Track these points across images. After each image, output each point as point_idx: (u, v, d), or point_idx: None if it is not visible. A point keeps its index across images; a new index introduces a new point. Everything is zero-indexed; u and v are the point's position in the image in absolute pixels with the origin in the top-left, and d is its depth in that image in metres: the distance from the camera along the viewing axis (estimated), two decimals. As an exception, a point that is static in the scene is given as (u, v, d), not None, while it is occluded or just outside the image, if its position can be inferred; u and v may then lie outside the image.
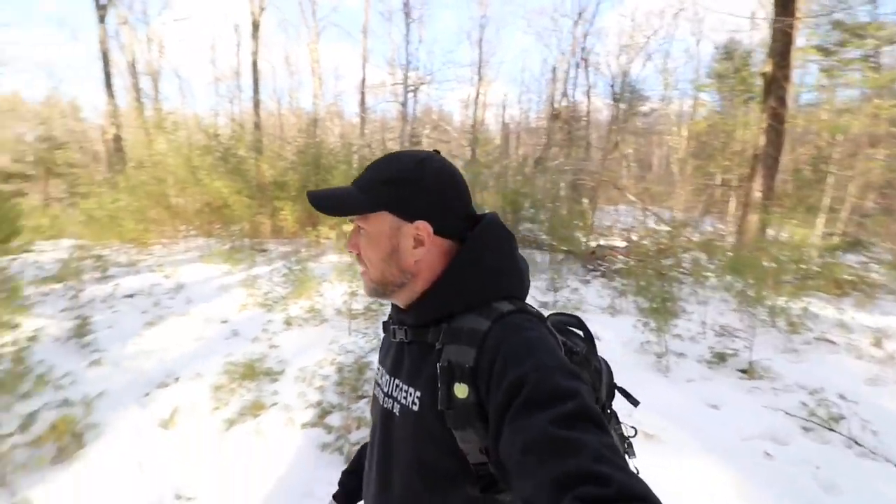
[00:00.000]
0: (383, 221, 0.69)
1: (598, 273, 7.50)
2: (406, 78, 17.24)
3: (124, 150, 13.07)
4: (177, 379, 3.17)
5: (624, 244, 8.98)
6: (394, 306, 0.77)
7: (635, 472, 0.51)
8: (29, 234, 7.58)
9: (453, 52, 46.99)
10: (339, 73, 44.92)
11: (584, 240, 8.32)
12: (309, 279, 5.33)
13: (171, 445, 2.49)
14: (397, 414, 0.71)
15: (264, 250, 8.35)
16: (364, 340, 3.54)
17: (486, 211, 0.77)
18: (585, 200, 10.94)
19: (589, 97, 18.28)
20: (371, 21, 22.09)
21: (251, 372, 3.04)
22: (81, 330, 3.88)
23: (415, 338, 0.71)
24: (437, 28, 47.93)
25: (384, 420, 0.75)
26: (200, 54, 57.90)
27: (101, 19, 13.39)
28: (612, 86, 16.40)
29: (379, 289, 0.73)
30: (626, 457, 0.81)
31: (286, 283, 5.43)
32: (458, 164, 8.30)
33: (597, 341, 0.83)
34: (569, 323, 0.86)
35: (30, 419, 2.33)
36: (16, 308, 3.62)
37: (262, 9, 14.06)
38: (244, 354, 3.33)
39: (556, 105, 17.56)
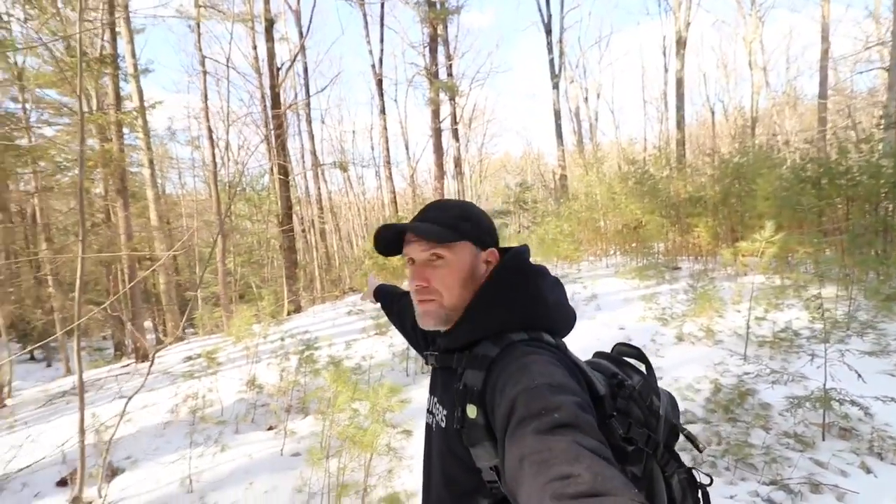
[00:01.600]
0: (465, 250, 0.80)
1: None
2: None
3: (567, 185, 16.34)
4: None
5: None
6: (430, 332, 0.86)
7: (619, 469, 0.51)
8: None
9: None
10: (791, 55, 37.14)
11: None
12: (712, 299, 5.12)
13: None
14: (434, 428, 0.82)
15: (677, 268, 8.40)
16: (758, 369, 3.22)
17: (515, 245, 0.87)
18: None
19: None
20: (833, -21, 17.28)
21: (631, 373, 3.48)
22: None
23: (443, 363, 0.81)
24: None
25: (427, 433, 0.86)
26: (632, 84, 62.70)
27: (555, 85, 17.43)
28: None
29: (452, 314, 0.79)
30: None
31: (688, 300, 5.45)
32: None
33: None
34: (628, 355, 0.86)
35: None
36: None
37: (689, 23, 14.04)
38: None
39: None
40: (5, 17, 6.18)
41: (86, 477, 2.51)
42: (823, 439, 2.62)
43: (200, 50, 10.94)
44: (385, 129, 14.58)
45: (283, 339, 5.12)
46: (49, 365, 12.83)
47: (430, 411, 0.85)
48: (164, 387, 4.66)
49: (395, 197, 15.87)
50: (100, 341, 14.86)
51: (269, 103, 10.77)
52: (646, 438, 0.72)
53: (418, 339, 1.06)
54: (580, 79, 22.43)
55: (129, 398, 2.93)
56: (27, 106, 10.37)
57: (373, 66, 15.09)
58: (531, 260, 0.83)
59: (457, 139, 18.22)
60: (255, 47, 12.56)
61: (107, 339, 14.66)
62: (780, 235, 4.73)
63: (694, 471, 0.79)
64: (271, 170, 11.16)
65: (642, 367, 0.85)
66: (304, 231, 19.25)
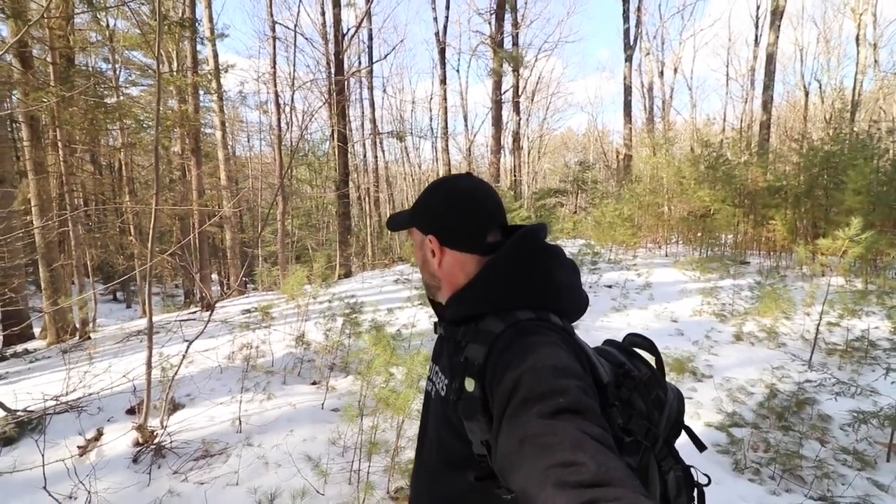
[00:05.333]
0: (416, 236, 0.86)
1: None
2: None
3: (630, 166, 15.49)
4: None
5: None
6: (438, 304, 0.89)
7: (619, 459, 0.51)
8: (557, 234, 10.76)
9: None
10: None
11: None
12: (780, 298, 4.73)
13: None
14: (433, 396, 0.84)
15: (745, 262, 7.82)
16: (822, 377, 2.95)
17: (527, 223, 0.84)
18: None
19: None
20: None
21: (678, 366, 3.31)
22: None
23: (448, 334, 0.81)
24: None
25: (426, 399, 0.89)
26: (715, 58, 57.50)
27: (628, 58, 16.32)
28: None
29: (430, 290, 0.88)
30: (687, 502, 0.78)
31: (753, 298, 5.07)
32: None
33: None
34: (640, 346, 0.83)
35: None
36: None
37: (787, -8, 12.52)
38: (679, 350, 3.62)
39: None
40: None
41: (150, 408, 2.78)
42: (888, 461, 2.39)
43: (272, 16, 11.22)
44: (445, 99, 14.40)
45: (331, 301, 5.33)
46: (129, 306, 14.28)
47: (430, 378, 0.87)
48: (223, 335, 5.03)
49: (449, 170, 15.79)
50: (172, 289, 16.26)
51: (333, 69, 10.94)
52: (645, 431, 0.71)
53: None
54: (656, 51, 20.84)
55: (191, 342, 3.19)
56: (116, 66, 11.21)
57: (436, 33, 14.84)
58: (547, 240, 0.81)
59: (518, 113, 17.69)
60: (322, 13, 12.73)
61: (179, 287, 16.03)
62: (868, 234, 4.24)
63: (692, 469, 0.77)
64: (332, 136, 11.42)
65: (652, 360, 0.82)
66: (359, 198, 19.75)
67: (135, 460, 2.51)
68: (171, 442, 2.68)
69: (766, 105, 12.57)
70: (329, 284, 7.42)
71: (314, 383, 3.64)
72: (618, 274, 7.14)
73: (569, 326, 0.74)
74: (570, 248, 9.13)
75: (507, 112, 17.17)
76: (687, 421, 2.69)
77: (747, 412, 2.74)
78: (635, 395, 0.73)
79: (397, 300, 6.18)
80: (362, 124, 19.81)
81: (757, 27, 18.13)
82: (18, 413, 2.88)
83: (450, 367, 0.76)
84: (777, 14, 12.11)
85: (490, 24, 13.86)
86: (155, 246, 3.09)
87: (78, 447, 2.61)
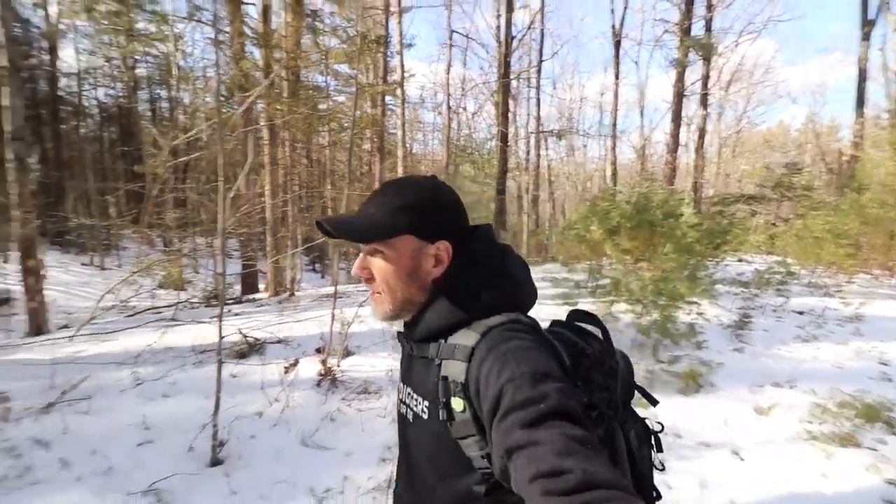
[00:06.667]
0: (406, 244, 0.73)
1: None
2: None
3: (857, 170, 12.38)
4: (792, 385, 3.39)
5: None
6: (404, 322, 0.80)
7: (608, 460, 0.52)
8: (743, 247, 9.18)
9: None
10: None
11: None
12: None
13: (761, 428, 2.89)
14: (410, 419, 0.77)
15: None
16: None
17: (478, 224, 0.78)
18: None
19: None
20: None
21: (870, 412, 2.73)
22: (741, 324, 4.72)
23: (418, 352, 0.75)
24: None
25: (401, 423, 0.81)
26: None
27: (866, 35, 13.00)
28: None
29: (398, 311, 0.75)
30: (652, 452, 0.83)
31: None
32: None
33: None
34: (585, 321, 0.83)
35: (675, 360, 3.51)
36: (701, 293, 4.98)
37: None
38: (878, 397, 2.98)
39: None
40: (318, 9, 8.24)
41: (331, 350, 3.56)
42: None
43: (449, 26, 12.27)
44: (616, 95, 13.70)
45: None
46: (323, 276, 17.32)
47: (402, 401, 0.80)
48: (388, 306, 5.90)
49: (615, 169, 14.94)
50: (357, 266, 19.12)
51: (500, 71, 11.44)
52: (607, 402, 0.74)
53: None
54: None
55: (361, 304, 3.92)
56: (328, 78, 13.68)
57: (613, 26, 14.14)
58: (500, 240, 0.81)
59: (704, 107, 15.67)
60: (498, 16, 13.36)
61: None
62: None
63: (647, 421, 0.84)
64: (500, 135, 11.97)
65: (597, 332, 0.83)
66: (518, 196, 20.10)
67: (317, 384, 3.28)
68: (342, 376, 3.42)
69: None
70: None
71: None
72: (815, 300, 5.95)
73: (535, 322, 0.73)
74: (757, 264, 7.82)
75: (692, 106, 15.37)
76: (863, 473, 2.27)
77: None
78: (593, 370, 0.74)
79: (544, 297, 6.29)
80: (528, 122, 20.05)
81: None
82: (249, 339, 3.97)
83: (426, 388, 0.72)
84: None
85: (680, 7, 12.56)
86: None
87: (283, 367, 3.51)
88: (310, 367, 3.51)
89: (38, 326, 5.23)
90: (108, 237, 14.56)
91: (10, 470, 2.17)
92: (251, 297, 8.28)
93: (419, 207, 0.73)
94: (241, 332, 3.95)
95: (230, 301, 7.34)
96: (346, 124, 12.15)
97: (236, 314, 5.69)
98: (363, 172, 14.77)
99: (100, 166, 19.29)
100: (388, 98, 12.87)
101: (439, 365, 0.69)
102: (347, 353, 3.88)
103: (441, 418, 0.66)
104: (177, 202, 12.62)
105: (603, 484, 0.46)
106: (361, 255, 0.75)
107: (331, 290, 7.42)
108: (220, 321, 2.33)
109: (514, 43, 10.91)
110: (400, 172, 14.61)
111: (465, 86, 12.16)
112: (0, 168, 7.75)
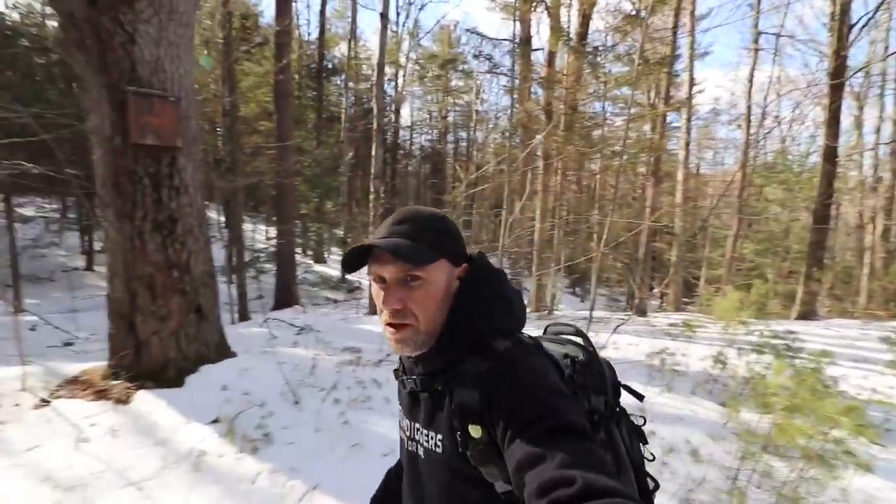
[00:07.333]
0: (442, 268, 0.74)
1: None
2: None
3: None
4: None
5: None
6: (402, 357, 0.79)
7: (613, 469, 0.56)
8: None
9: None
10: None
11: None
12: None
13: None
14: (422, 455, 0.76)
15: None
16: None
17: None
18: None
19: None
20: None
21: None
22: None
23: (424, 387, 0.75)
24: None
25: (411, 461, 0.80)
26: None
27: None
28: None
29: (428, 338, 0.73)
30: (641, 445, 0.85)
31: None
32: None
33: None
34: (567, 332, 0.87)
35: None
36: None
37: None
38: None
39: None
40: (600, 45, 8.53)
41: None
42: None
43: (756, 26, 10.51)
44: None
45: (763, 335, 4.79)
46: (582, 301, 17.39)
47: (411, 438, 0.79)
48: (647, 338, 5.59)
49: None
50: (617, 295, 18.39)
51: (831, 69, 9.00)
52: (603, 404, 0.78)
53: None
54: None
55: (615, 329, 3.94)
56: (604, 104, 13.80)
57: None
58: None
59: None
60: (834, 2, 10.53)
61: (623, 294, 17.96)
62: None
63: (631, 416, 0.85)
64: (826, 149, 9.48)
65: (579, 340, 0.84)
66: (860, 225, 15.01)
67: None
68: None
69: None
70: (767, 317, 6.50)
71: (723, 404, 3.59)
72: None
73: (537, 341, 0.77)
74: None
75: None
76: None
77: None
78: (587, 377, 0.77)
79: (877, 361, 4.70)
80: (879, 129, 14.92)
81: None
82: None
83: (440, 421, 0.72)
84: None
85: None
86: (607, 252, 3.99)
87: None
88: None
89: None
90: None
91: (358, 395, 3.25)
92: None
93: (447, 231, 0.76)
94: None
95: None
96: (618, 148, 12.01)
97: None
98: (634, 197, 14.17)
99: (417, 195, 25.15)
100: (671, 115, 12.05)
101: (450, 395, 0.70)
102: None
103: (459, 449, 0.67)
104: (464, 224, 15.18)
105: (605, 493, 0.48)
106: (393, 287, 0.71)
107: (587, 312, 7.53)
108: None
109: (854, 32, 8.45)
110: (678, 197, 13.34)
111: (777, 89, 10.12)
112: (365, 198, 11.17)
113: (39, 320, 5.57)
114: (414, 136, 27.52)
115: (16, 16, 8.02)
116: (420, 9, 21.82)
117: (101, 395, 3.03)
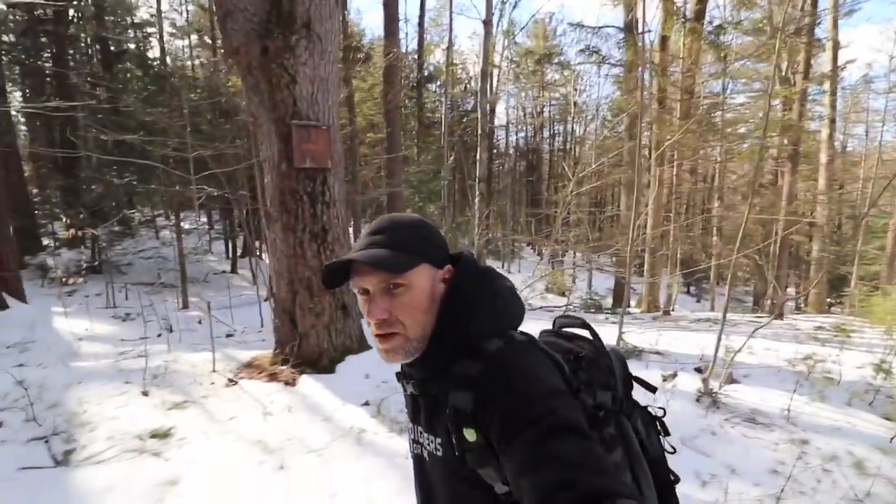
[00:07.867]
0: (424, 273, 0.73)
1: None
2: None
3: None
4: None
5: None
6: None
7: (615, 467, 0.57)
8: None
9: None
10: None
11: None
12: None
13: None
14: (426, 458, 0.77)
15: None
16: None
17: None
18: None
19: None
20: None
21: None
22: None
23: (421, 391, 0.76)
24: None
25: (418, 463, 0.81)
26: None
27: None
28: None
29: (419, 344, 0.73)
30: (660, 436, 0.83)
31: None
32: None
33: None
34: (574, 326, 0.85)
35: None
36: None
37: None
38: None
39: None
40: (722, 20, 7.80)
41: (713, 372, 3.54)
42: None
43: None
44: None
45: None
46: (698, 301, 15.88)
47: (416, 441, 0.80)
48: (788, 342, 5.05)
49: None
50: (741, 294, 16.51)
51: None
52: (612, 399, 0.75)
53: None
54: None
55: (752, 333, 3.67)
56: (726, 82, 12.41)
57: None
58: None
59: None
60: None
61: (748, 293, 16.06)
62: None
63: (649, 408, 0.84)
64: None
65: (586, 334, 0.83)
66: None
67: (696, 400, 3.36)
68: (726, 399, 3.36)
69: None
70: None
71: (887, 417, 3.17)
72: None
73: (531, 337, 0.76)
74: None
75: None
76: None
77: None
78: (593, 372, 0.75)
79: None
80: None
81: None
82: (628, 344, 4.45)
83: (438, 424, 0.72)
84: None
85: None
86: (732, 248, 3.73)
87: (661, 376, 3.76)
88: (689, 382, 3.61)
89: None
90: (513, 248, 18.75)
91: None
92: (625, 310, 8.85)
93: (427, 236, 0.76)
94: (620, 338, 4.49)
95: (606, 311, 8.12)
96: (742, 130, 10.81)
97: (612, 322, 6.35)
98: (764, 185, 12.60)
99: (513, 194, 25.02)
100: (810, 88, 10.51)
101: (446, 397, 0.69)
102: (731, 380, 3.71)
103: (456, 452, 0.67)
104: (564, 222, 14.81)
105: (608, 493, 0.48)
106: (377, 297, 0.72)
107: (709, 314, 7.00)
108: (621, 323, 2.87)
109: None
110: (821, 182, 11.53)
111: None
112: (464, 200, 11.50)
113: (203, 315, 6.70)
114: (508, 134, 27.48)
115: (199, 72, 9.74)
116: (514, 6, 21.77)
117: (272, 377, 3.65)
